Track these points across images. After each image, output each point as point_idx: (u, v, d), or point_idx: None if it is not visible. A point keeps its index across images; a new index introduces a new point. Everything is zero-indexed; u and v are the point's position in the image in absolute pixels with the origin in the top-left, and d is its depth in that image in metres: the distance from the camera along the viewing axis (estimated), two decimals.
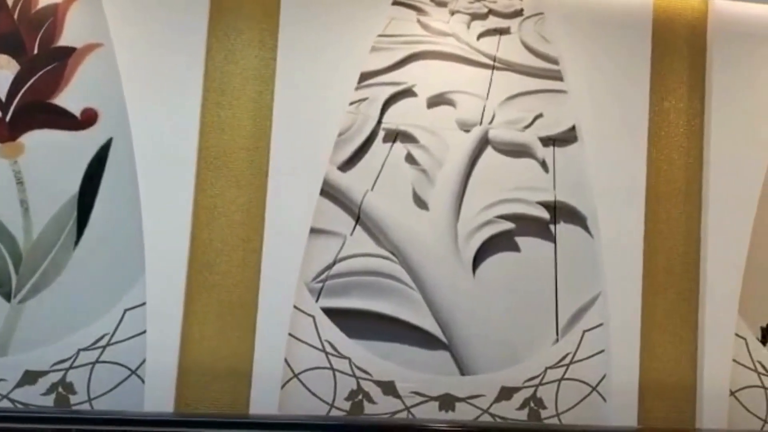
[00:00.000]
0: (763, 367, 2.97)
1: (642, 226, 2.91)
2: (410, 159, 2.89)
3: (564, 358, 2.87)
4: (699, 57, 3.02)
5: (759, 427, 2.95)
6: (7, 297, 2.69)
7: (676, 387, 2.93)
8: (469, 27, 2.95)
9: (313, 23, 2.81)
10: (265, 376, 2.68)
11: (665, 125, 3.01)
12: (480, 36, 2.95)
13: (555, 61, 2.94)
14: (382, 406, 2.78)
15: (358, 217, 2.84)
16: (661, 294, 2.95)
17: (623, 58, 2.95)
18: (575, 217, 2.93)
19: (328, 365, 2.78)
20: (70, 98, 2.77)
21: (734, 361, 2.94)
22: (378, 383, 2.78)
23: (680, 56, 3.02)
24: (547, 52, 2.94)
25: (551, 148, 2.96)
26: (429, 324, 2.83)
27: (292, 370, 2.74)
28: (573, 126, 2.93)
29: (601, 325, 2.87)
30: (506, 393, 2.83)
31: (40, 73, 2.78)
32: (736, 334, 2.95)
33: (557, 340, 2.90)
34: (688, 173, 3.01)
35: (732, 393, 2.94)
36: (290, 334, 2.75)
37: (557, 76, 2.94)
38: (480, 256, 2.90)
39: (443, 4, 2.94)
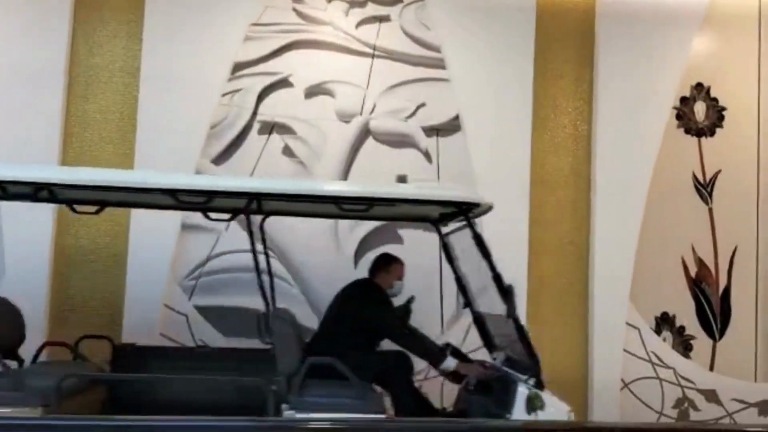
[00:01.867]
0: (658, 357, 2.98)
1: (527, 215, 2.91)
2: (287, 151, 2.88)
3: None
4: (587, 43, 3.03)
5: (654, 418, 2.95)
6: None
7: (567, 380, 2.92)
8: (347, 15, 2.94)
9: (182, 13, 2.81)
10: None
11: (552, 112, 3.03)
12: (359, 24, 2.95)
13: (437, 49, 2.95)
14: None
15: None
16: (548, 284, 2.96)
17: (507, 46, 2.97)
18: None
19: None
20: None
21: (627, 351, 2.95)
22: None
23: (567, 43, 3.05)
24: (428, 39, 2.95)
25: (434, 137, 2.96)
26: (308, 320, 2.81)
27: None
28: (456, 115, 2.95)
29: None
30: None
31: None
32: (630, 324, 2.96)
33: (442, 334, 2.89)
34: (576, 160, 3.02)
35: (625, 384, 2.94)
36: (162, 334, 2.72)
37: (440, 65, 2.95)
38: (362, 249, 2.90)
39: None
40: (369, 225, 2.97)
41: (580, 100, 3.12)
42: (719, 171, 3.16)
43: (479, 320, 2.63)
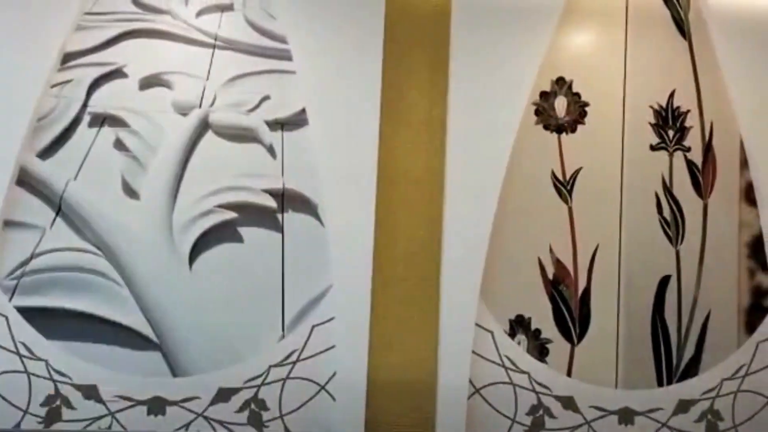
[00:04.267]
0: (511, 361, 2.92)
1: (373, 214, 2.86)
2: (119, 145, 2.83)
3: (290, 355, 2.82)
4: (441, 35, 3.00)
5: (507, 425, 2.88)
6: None
7: (414, 384, 2.87)
8: (187, 4, 2.91)
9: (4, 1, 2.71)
10: None
11: (404, 108, 2.99)
12: (199, 13, 2.91)
13: (282, 40, 2.92)
14: (82, 412, 2.70)
15: (59, 208, 2.79)
16: (397, 285, 2.92)
17: (354, 37, 2.95)
18: (305, 205, 2.92)
19: (22, 369, 2.67)
20: None
21: (479, 355, 2.89)
22: (78, 387, 2.70)
23: (420, 35, 3.02)
24: (273, 29, 2.93)
25: (279, 132, 2.92)
26: (138, 322, 2.77)
27: None
28: (303, 109, 2.90)
29: (332, 319, 2.83)
30: (224, 395, 2.76)
31: None
32: (482, 327, 2.90)
33: (283, 336, 2.84)
34: (430, 157, 2.98)
35: (476, 390, 2.88)
36: None
37: (285, 56, 2.92)
38: (198, 248, 2.85)
39: None
40: (207, 222, 2.90)
41: (434, 94, 3.08)
42: (580, 168, 3.12)
43: None
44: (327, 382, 2.83)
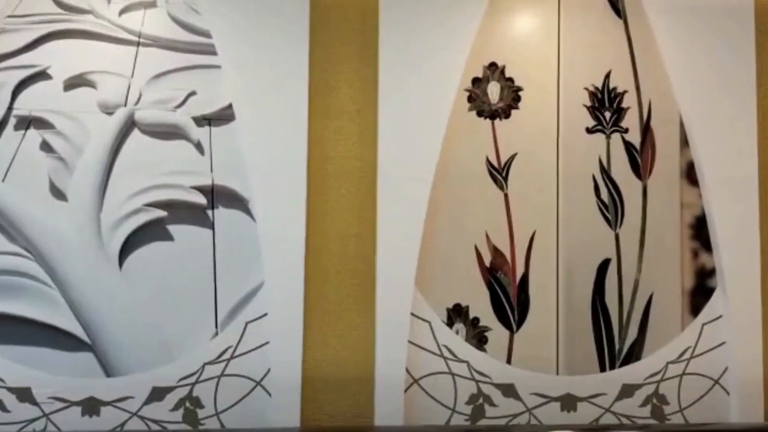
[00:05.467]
0: (450, 351, 2.92)
1: (303, 208, 2.88)
2: (45, 147, 2.85)
3: (224, 352, 2.83)
4: (369, 24, 2.99)
5: (447, 415, 2.88)
6: None
7: (351, 377, 2.88)
8: (109, 3, 2.92)
9: None
10: None
11: (333, 99, 2.98)
12: (122, 11, 2.93)
13: (207, 34, 2.93)
14: (16, 414, 2.74)
15: None
16: (331, 278, 2.93)
17: (279, 28, 2.95)
18: (235, 200, 2.94)
19: None
20: None
21: (417, 345, 2.89)
22: (12, 390, 2.72)
23: (347, 23, 3.02)
24: (197, 24, 2.94)
25: (207, 127, 2.93)
26: (70, 324, 2.80)
27: None
28: (230, 104, 2.89)
29: (265, 315, 2.84)
30: (159, 393, 2.78)
31: None
32: (419, 317, 2.90)
33: (217, 334, 2.85)
34: (361, 148, 2.98)
35: (415, 380, 2.88)
36: None
37: (210, 51, 2.93)
38: (127, 248, 2.87)
39: None
40: (135, 221, 2.91)
41: (363, 84, 3.07)
42: (515, 154, 3.11)
43: None
44: (262, 378, 2.86)
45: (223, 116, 2.92)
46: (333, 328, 2.93)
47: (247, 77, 2.92)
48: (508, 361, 3.01)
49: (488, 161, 3.09)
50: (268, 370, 2.83)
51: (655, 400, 3.05)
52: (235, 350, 2.84)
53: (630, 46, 3.18)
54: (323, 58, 2.99)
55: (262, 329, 2.84)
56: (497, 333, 3.03)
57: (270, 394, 2.82)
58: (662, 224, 3.12)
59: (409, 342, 2.91)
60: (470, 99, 3.11)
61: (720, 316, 3.06)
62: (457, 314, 3.06)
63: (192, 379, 2.82)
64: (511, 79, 3.13)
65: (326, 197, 2.98)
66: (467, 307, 3.06)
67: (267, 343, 2.83)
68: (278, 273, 2.85)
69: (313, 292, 2.91)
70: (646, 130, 3.19)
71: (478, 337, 3.05)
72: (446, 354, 3.05)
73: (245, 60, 2.91)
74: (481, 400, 3.01)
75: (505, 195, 3.12)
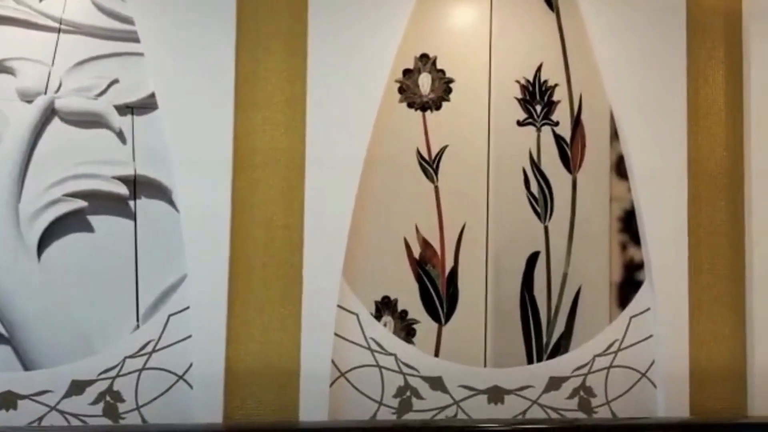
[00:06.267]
0: (378, 343, 2.91)
1: (228, 199, 2.83)
2: None
3: (146, 345, 2.78)
4: (297, 13, 2.91)
5: (374, 408, 2.85)
6: None
7: (275, 370, 2.84)
8: None
9: None
10: None
11: (260, 88, 2.93)
12: None
13: (130, 21, 2.86)
14: None
15: None
16: (257, 270, 2.88)
17: (206, 15, 2.87)
18: (158, 191, 2.89)
19: None
20: None
21: (344, 338, 2.87)
22: None
23: (275, 12, 2.93)
24: (120, 11, 2.86)
25: (129, 116, 2.88)
26: None
27: None
28: (153, 92, 2.83)
29: (188, 308, 2.79)
30: (78, 387, 2.73)
31: None
32: (347, 310, 2.87)
33: (138, 327, 2.81)
34: (288, 139, 2.93)
35: (342, 374, 2.86)
36: None
37: (133, 38, 2.86)
38: (46, 239, 2.82)
39: None
40: (55, 212, 2.85)
41: (291, 74, 3.01)
42: (446, 146, 3.10)
43: None
44: (184, 373, 2.81)
45: (146, 105, 2.86)
46: (258, 321, 2.88)
47: (170, 65, 2.85)
48: (436, 354, 3.00)
49: (419, 153, 3.06)
50: (191, 364, 2.78)
51: (582, 393, 3.05)
52: (156, 343, 2.79)
53: (562, 39, 3.17)
54: (251, 47, 2.92)
55: (184, 322, 2.78)
56: (426, 326, 3.02)
57: (192, 388, 2.79)
58: (591, 217, 3.13)
59: (336, 335, 2.89)
60: (401, 90, 3.07)
61: (648, 309, 3.07)
62: (385, 307, 3.03)
63: (113, 373, 2.75)
64: (442, 71, 3.10)
65: (253, 188, 2.91)
66: (396, 299, 3.03)
67: (189, 336, 2.78)
68: (202, 265, 2.80)
69: (238, 284, 2.85)
70: (576, 123, 3.18)
71: (407, 330, 3.03)
72: (374, 347, 3.00)
73: (169, 48, 2.84)
74: (408, 393, 2.98)
75: (436, 187, 3.10)
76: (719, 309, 3.12)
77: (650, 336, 3.05)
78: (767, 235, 3.12)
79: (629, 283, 3.14)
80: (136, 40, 2.84)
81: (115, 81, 2.84)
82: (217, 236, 2.81)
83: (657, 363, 3.05)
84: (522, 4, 3.14)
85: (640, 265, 3.12)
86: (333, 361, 2.86)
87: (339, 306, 2.88)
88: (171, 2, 2.86)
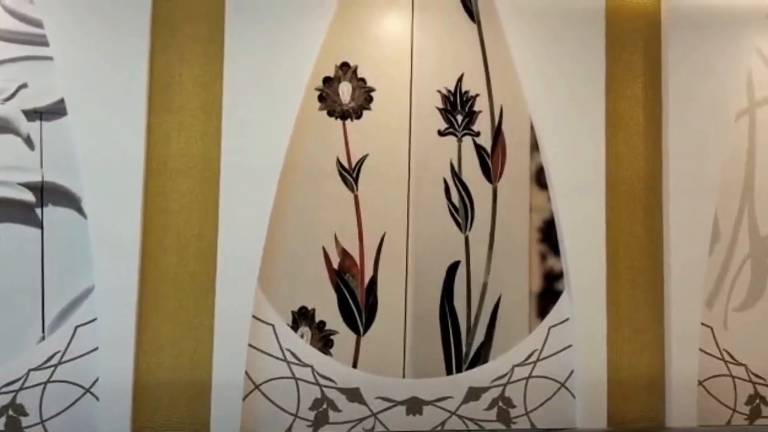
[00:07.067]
0: (294, 355, 2.84)
1: (140, 207, 2.74)
2: None
3: (51, 357, 2.69)
4: (215, 21, 2.86)
5: (289, 421, 2.78)
6: None
7: (187, 382, 2.75)
8: None
9: None
10: None
11: (175, 94, 2.86)
12: None
13: (39, 24, 2.77)
14: None
15: None
16: (169, 280, 2.80)
17: (119, 20, 2.76)
18: (67, 198, 2.81)
19: None
20: None
21: (259, 350, 2.80)
22: None
23: (193, 18, 2.85)
24: (29, 14, 2.77)
25: (38, 122, 2.79)
26: None
27: None
28: (62, 97, 2.75)
29: (95, 320, 2.69)
30: None
31: None
32: (262, 320, 2.82)
33: (44, 338, 2.73)
34: (204, 146, 2.81)
35: (256, 386, 2.79)
36: None
37: (43, 41, 2.77)
38: None
39: None
40: None
41: (208, 80, 2.91)
42: (366, 155, 3.09)
43: None
44: (92, 385, 2.73)
45: (56, 110, 2.77)
46: (169, 332, 2.79)
47: (81, 69, 2.76)
48: (354, 365, 2.97)
49: (339, 162, 3.03)
50: (97, 378, 2.67)
51: (501, 403, 3.04)
52: (63, 355, 2.69)
53: (483, 50, 3.17)
54: (166, 50, 2.83)
55: (91, 334, 2.70)
56: (344, 336, 2.98)
57: (99, 401, 2.69)
58: (511, 227, 3.14)
59: (251, 346, 2.83)
60: (321, 98, 3.04)
61: (567, 319, 3.08)
62: (302, 317, 2.97)
63: (16, 386, 2.64)
64: (363, 80, 3.08)
65: (166, 196, 2.83)
66: (313, 310, 2.98)
67: (96, 348, 2.69)
68: (110, 275, 2.71)
69: (149, 294, 2.77)
70: (497, 134, 3.18)
71: (324, 341, 2.98)
72: (290, 358, 2.94)
73: (79, 51, 2.76)
74: (325, 405, 2.93)
75: (356, 196, 3.06)
76: (638, 319, 3.15)
77: (569, 346, 3.06)
78: (685, 245, 3.17)
79: (549, 293, 3.15)
80: (46, 44, 2.76)
81: (24, 85, 2.74)
82: (126, 245, 2.74)
83: (576, 373, 3.05)
84: (443, 15, 3.15)
85: (559, 275, 3.13)
86: (247, 373, 2.81)
87: (254, 316, 2.84)
88: (82, 4, 2.80)
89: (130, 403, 2.70)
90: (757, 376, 3.24)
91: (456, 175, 3.13)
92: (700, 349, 3.14)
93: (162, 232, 2.81)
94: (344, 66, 3.05)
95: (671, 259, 3.14)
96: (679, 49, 3.23)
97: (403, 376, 3.00)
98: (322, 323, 2.98)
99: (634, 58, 3.22)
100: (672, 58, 3.21)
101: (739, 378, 3.23)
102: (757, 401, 3.25)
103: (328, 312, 2.98)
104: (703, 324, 3.16)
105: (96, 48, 2.78)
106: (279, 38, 2.94)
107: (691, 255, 3.16)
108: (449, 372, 3.03)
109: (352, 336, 3.00)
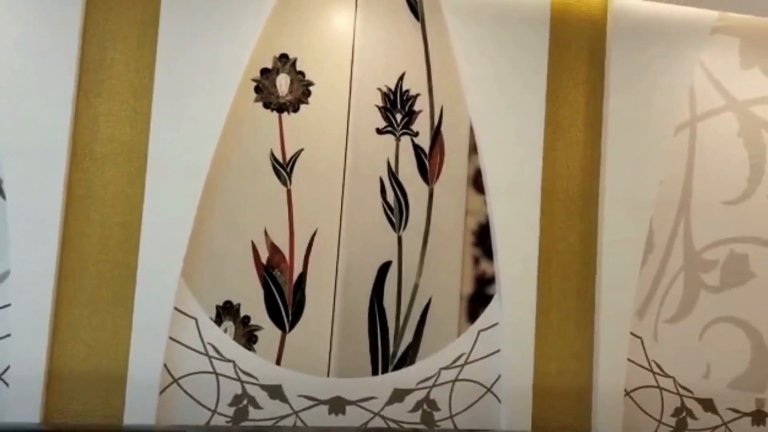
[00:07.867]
0: (216, 349, 2.79)
1: (62, 192, 2.67)
2: None
3: None
4: (150, 14, 2.79)
5: (207, 417, 2.71)
6: None
7: (103, 373, 2.69)
8: None
9: None
10: None
11: (105, 79, 2.76)
12: None
13: None
14: None
15: None
16: (90, 268, 2.70)
17: (51, 10, 2.67)
18: None
19: None
20: None
21: (180, 343, 2.75)
22: None
23: (124, 11, 2.77)
24: None
25: None
26: None
27: None
28: None
29: (8, 306, 2.61)
30: None
31: None
32: (185, 313, 2.76)
33: None
34: (132, 132, 2.75)
35: (175, 380, 2.74)
36: None
37: None
38: None
39: None
40: None
41: (140, 65, 2.80)
42: (301, 150, 3.03)
43: None
44: (2, 373, 2.62)
45: None
46: (87, 321, 2.71)
47: (5, 47, 2.65)
48: (278, 362, 2.90)
49: (272, 155, 2.96)
50: (8, 366, 2.59)
51: (425, 406, 3.00)
52: None
53: (426, 49, 3.13)
54: (98, 32, 2.75)
55: (4, 321, 2.60)
56: (269, 332, 2.92)
57: (8, 386, 2.58)
58: (446, 229, 3.10)
59: (171, 339, 2.76)
60: (257, 90, 2.97)
61: (496, 324, 3.06)
62: (226, 311, 2.89)
63: None
64: (302, 73, 3.01)
65: (90, 182, 2.74)
66: (239, 304, 2.90)
67: (8, 335, 2.59)
68: (27, 260, 2.63)
69: (67, 282, 2.69)
70: (436, 134, 3.14)
71: (248, 336, 2.91)
72: (211, 353, 2.85)
73: (3, 29, 2.66)
74: (245, 402, 2.85)
75: (288, 191, 2.99)
76: (568, 326, 3.14)
77: (497, 351, 3.04)
78: (618, 255, 3.17)
79: (480, 296, 3.12)
80: None
81: None
82: (46, 230, 2.65)
83: (503, 378, 3.03)
84: (387, 11, 3.09)
85: (491, 279, 3.11)
86: (166, 366, 2.75)
87: (176, 309, 2.77)
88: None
89: (41, 390, 2.61)
90: (684, 388, 3.26)
91: (392, 174, 3.07)
92: (629, 360, 3.16)
93: (84, 218, 2.75)
94: (283, 58, 2.98)
95: (603, 267, 3.14)
96: (623, 58, 3.23)
97: (328, 375, 2.94)
98: (247, 318, 2.91)
99: (578, 65, 3.22)
100: (615, 68, 3.20)
101: (667, 390, 3.26)
102: (684, 414, 3.28)
103: (254, 307, 2.91)
104: (632, 334, 3.18)
105: (23, 24, 2.68)
106: (216, 25, 2.86)
107: (624, 265, 3.17)
108: (375, 372, 2.97)
109: (278, 332, 2.92)
